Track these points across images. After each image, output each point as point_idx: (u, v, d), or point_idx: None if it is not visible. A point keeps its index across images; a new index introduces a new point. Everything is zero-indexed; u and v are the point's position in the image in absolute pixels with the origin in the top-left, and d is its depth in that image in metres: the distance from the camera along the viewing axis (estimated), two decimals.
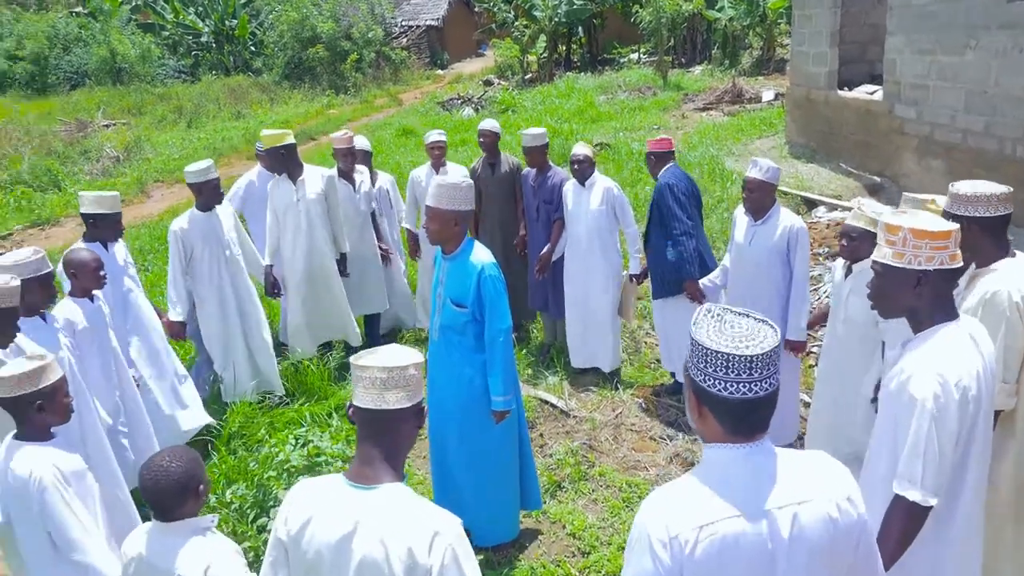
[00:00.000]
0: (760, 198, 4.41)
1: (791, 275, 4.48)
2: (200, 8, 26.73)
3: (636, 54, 23.75)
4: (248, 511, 4.09)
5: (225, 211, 5.33)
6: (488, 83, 21.83)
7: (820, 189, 9.05)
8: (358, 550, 1.83)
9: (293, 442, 4.35)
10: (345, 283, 6.24)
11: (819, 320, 4.63)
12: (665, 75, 18.04)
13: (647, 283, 5.65)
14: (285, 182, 5.58)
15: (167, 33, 26.22)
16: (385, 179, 6.58)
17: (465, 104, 17.82)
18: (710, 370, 1.64)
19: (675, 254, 4.95)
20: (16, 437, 2.79)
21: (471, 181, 3.75)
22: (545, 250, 5.83)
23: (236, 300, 5.29)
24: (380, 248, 6.33)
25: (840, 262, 4.24)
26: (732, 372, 1.61)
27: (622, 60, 23.59)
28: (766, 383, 1.62)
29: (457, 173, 6.50)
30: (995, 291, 2.76)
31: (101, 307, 4.23)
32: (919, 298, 2.27)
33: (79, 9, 28.23)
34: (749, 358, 1.60)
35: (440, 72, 27.04)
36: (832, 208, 8.53)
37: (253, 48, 26.51)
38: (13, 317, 3.24)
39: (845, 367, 4.18)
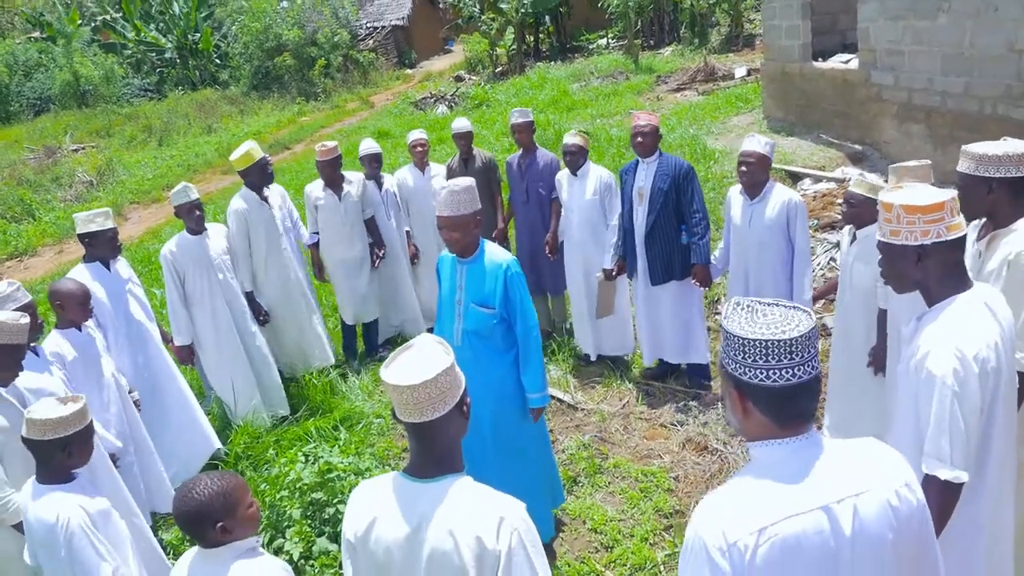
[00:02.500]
0: (757, 172, 4.39)
1: (792, 250, 4.46)
2: (161, 24, 26.39)
3: (605, 39, 23.70)
4: (262, 533, 4.01)
5: (216, 233, 5.22)
6: (459, 79, 21.71)
7: (803, 162, 9.05)
8: (427, 543, 1.85)
9: (303, 460, 4.27)
10: (338, 292, 6.19)
11: (830, 291, 4.61)
12: (636, 59, 18.01)
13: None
14: (261, 201, 5.48)
15: (129, 52, 25.89)
16: (391, 181, 6.49)
17: (439, 102, 17.71)
18: (749, 360, 1.59)
19: (693, 239, 4.86)
20: (38, 480, 2.73)
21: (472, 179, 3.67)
22: (549, 235, 5.80)
23: (233, 323, 5.18)
24: (376, 253, 6.25)
25: (847, 229, 4.23)
26: (772, 359, 1.57)
27: (591, 47, 23.51)
28: (808, 367, 1.58)
29: (442, 171, 6.46)
30: (1019, 251, 2.73)
31: (91, 335, 4.14)
32: (925, 272, 2.23)
33: (36, 34, 27.76)
34: (788, 342, 1.56)
35: (409, 71, 26.85)
36: (817, 180, 8.53)
37: (218, 61, 26.24)
38: (19, 355, 3.19)
39: (853, 335, 4.18)
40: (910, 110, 8.13)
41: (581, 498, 4.31)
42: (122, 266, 4.74)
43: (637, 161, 5.00)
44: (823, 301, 5.57)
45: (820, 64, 9.94)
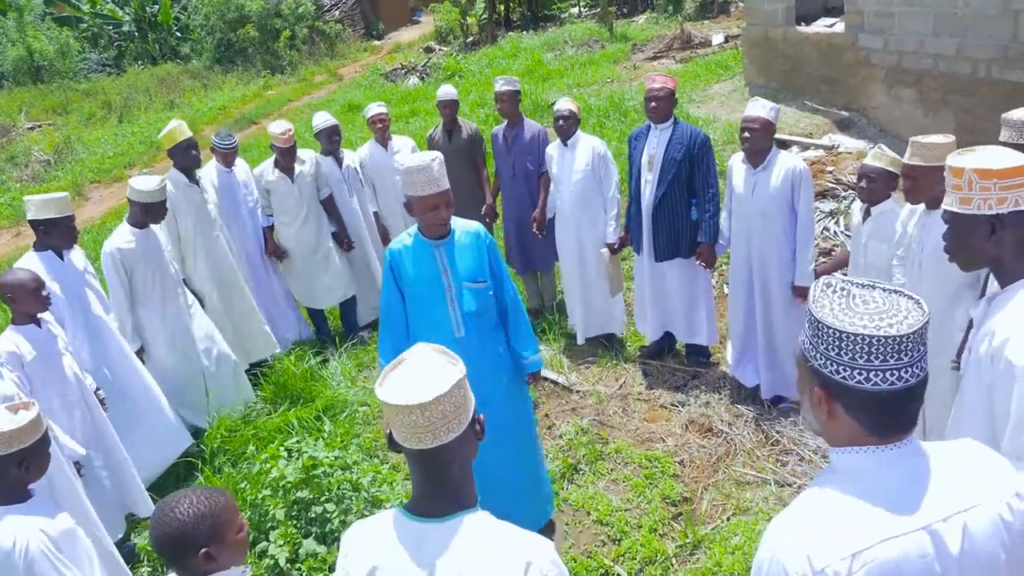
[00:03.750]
0: (761, 138, 4.14)
1: (795, 219, 4.23)
2: None
3: (576, 8, 23.24)
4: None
5: (159, 227, 4.82)
6: (429, 50, 21.14)
7: (789, 129, 8.83)
8: None
9: (286, 455, 3.98)
10: (296, 277, 5.87)
11: (838, 266, 4.41)
12: (611, 27, 17.65)
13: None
14: (188, 184, 5.13)
15: (85, 25, 24.85)
16: (352, 157, 6.14)
17: (409, 73, 17.22)
18: (846, 358, 1.33)
19: (704, 215, 4.59)
20: None
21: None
22: (536, 212, 5.51)
23: (187, 320, 4.83)
24: (342, 237, 6.00)
25: (858, 206, 4.02)
26: (876, 358, 1.31)
27: (563, 15, 23.05)
28: (917, 367, 1.32)
29: (405, 145, 6.15)
30: None
31: (51, 331, 3.79)
32: (999, 246, 1.97)
33: None
34: (898, 339, 1.30)
35: (377, 43, 26.17)
36: (805, 147, 8.33)
37: (179, 34, 25.33)
38: None
39: None
40: (900, 74, 7.93)
41: (583, 487, 4.08)
42: (77, 256, 4.30)
43: (649, 126, 4.72)
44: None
45: (804, 28, 9.70)
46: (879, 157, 3.84)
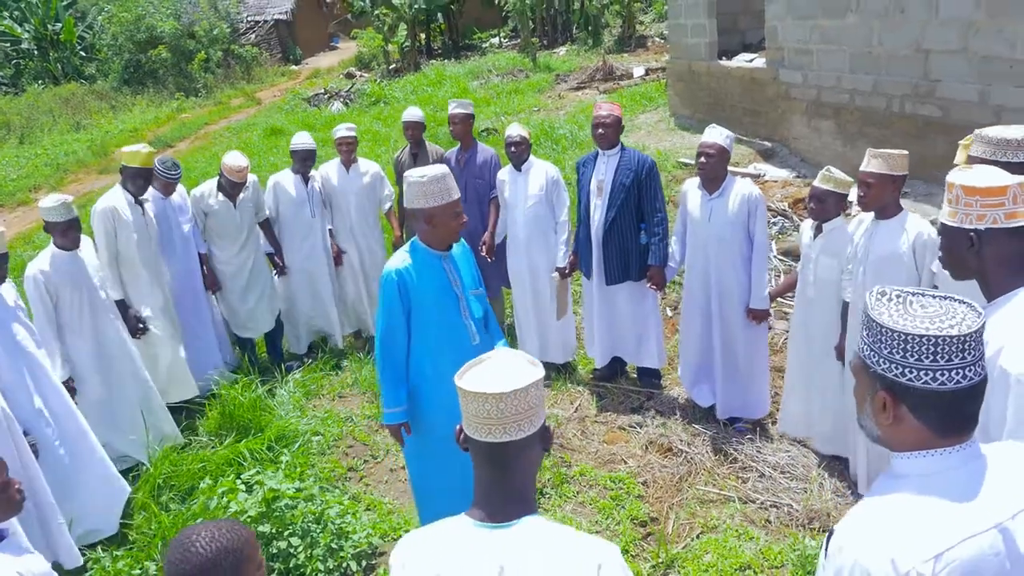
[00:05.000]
0: (717, 164, 4.28)
1: (750, 244, 4.37)
2: (16, 12, 24.10)
3: (497, 38, 23.60)
4: None
5: (87, 245, 4.55)
6: (350, 76, 21.00)
7: None
8: None
9: (243, 487, 3.79)
10: (228, 305, 5.74)
11: (787, 288, 4.57)
12: (534, 57, 17.96)
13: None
14: (136, 206, 4.95)
15: None
16: (316, 175, 6.02)
17: (333, 99, 17.01)
18: (912, 360, 1.37)
19: (652, 239, 4.68)
20: None
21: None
22: (487, 235, 5.49)
23: (121, 347, 4.58)
24: (275, 262, 5.91)
25: (808, 224, 4.19)
26: (942, 358, 1.36)
27: (484, 45, 23.36)
28: (979, 367, 1.38)
29: (371, 168, 6.07)
30: None
31: None
32: (980, 260, 2.09)
33: None
34: (960, 338, 1.35)
35: (295, 68, 25.79)
36: (733, 175, 8.63)
37: (83, 53, 24.26)
38: None
39: (815, 330, 4.15)
40: (819, 107, 8.36)
41: (551, 510, 4.05)
42: (7, 291, 3.94)
43: (597, 153, 4.79)
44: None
45: (727, 63, 10.12)
46: (827, 179, 4.02)
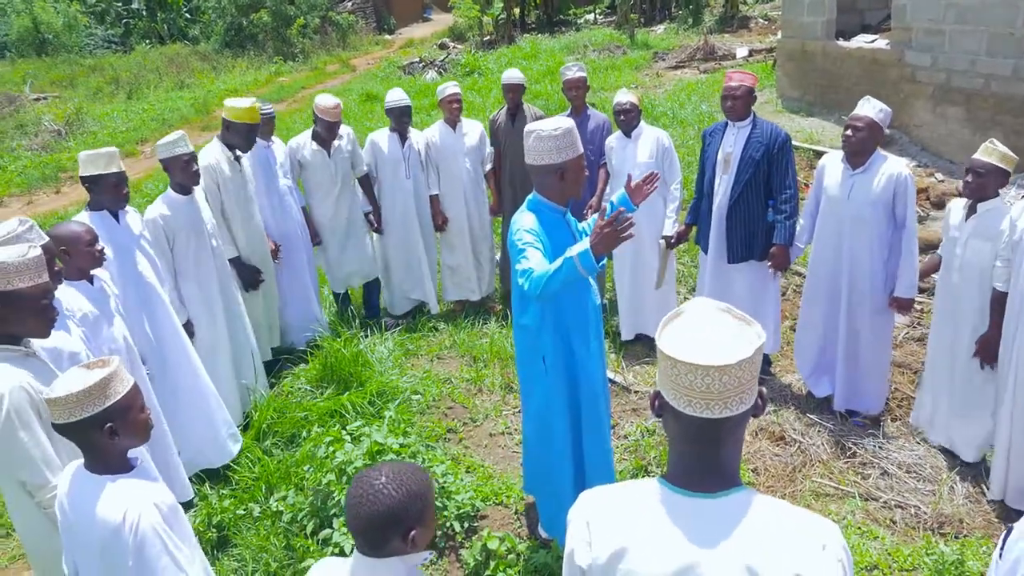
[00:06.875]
0: (865, 139, 3.98)
1: (894, 228, 4.07)
2: None
3: (592, 15, 23.17)
4: (305, 521, 3.52)
5: (199, 194, 4.53)
6: (443, 47, 20.99)
7: (830, 143, 8.72)
8: None
9: (348, 438, 3.77)
10: (324, 259, 5.74)
11: (931, 270, 4.25)
12: (632, 34, 17.56)
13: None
14: (234, 162, 4.89)
15: (94, 1, 24.45)
16: (418, 138, 5.88)
17: (427, 67, 17.02)
18: None
19: (778, 217, 4.41)
20: (88, 467, 2.11)
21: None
22: (593, 200, 5.33)
23: (223, 299, 4.54)
24: (374, 218, 5.82)
25: (958, 204, 3.87)
26: None
27: (579, 21, 22.98)
28: None
29: (474, 128, 5.94)
30: None
31: (105, 289, 3.54)
32: None
33: None
34: None
35: (388, 37, 25.98)
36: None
37: (188, 15, 25.00)
38: (37, 302, 2.57)
39: (961, 319, 3.83)
40: (948, 92, 7.84)
41: None
42: (133, 219, 4.02)
43: (725, 123, 4.55)
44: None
45: (845, 43, 9.60)
46: (990, 152, 3.69)
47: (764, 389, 1.43)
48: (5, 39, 22.05)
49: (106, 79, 18.55)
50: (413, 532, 1.66)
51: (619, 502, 1.45)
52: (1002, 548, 1.87)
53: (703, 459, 1.40)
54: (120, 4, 24.73)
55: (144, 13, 24.69)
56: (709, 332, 1.40)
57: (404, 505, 1.64)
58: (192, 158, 4.32)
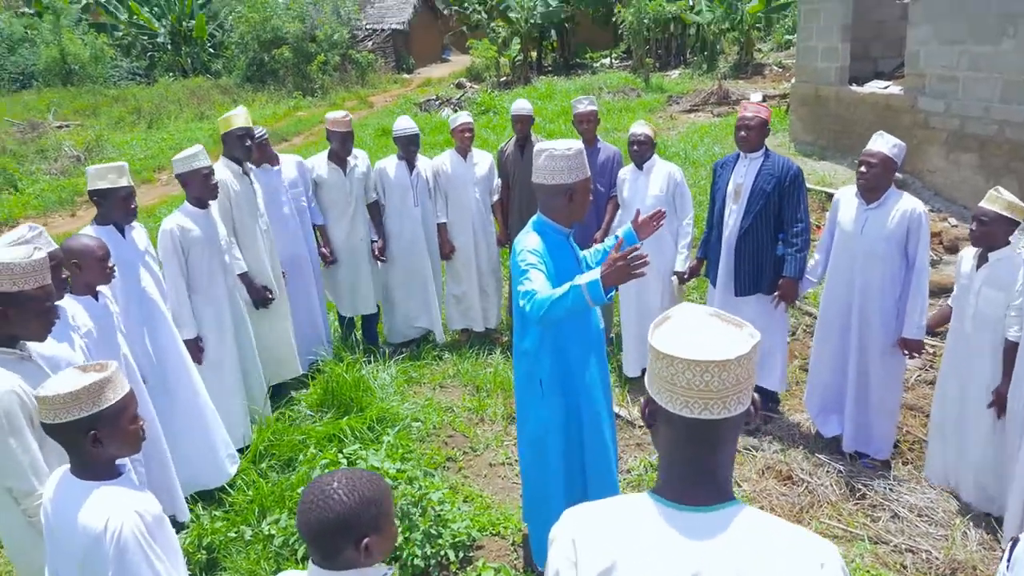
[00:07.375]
0: (880, 175, 3.94)
1: (906, 266, 4.00)
2: (156, 8, 25.58)
3: (608, 59, 23.50)
4: (296, 546, 3.44)
5: (216, 210, 4.54)
6: (460, 86, 21.29)
7: (842, 186, 8.69)
8: None
9: (344, 462, 3.70)
10: (335, 281, 5.72)
11: (942, 321, 4.17)
12: (647, 77, 17.76)
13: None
14: (241, 174, 4.88)
15: (120, 33, 25.01)
16: (426, 165, 5.90)
17: (443, 105, 17.23)
18: None
19: (789, 251, 4.37)
20: (73, 472, 2.06)
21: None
22: (599, 233, 5.30)
23: (232, 317, 4.50)
24: (378, 245, 5.79)
25: (969, 252, 3.81)
26: None
27: (595, 64, 23.30)
28: None
29: (484, 158, 5.96)
30: None
31: (108, 306, 3.52)
32: None
33: (24, 8, 26.78)
34: None
35: (407, 76, 26.41)
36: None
37: (211, 50, 25.51)
38: (41, 303, 2.55)
39: (973, 369, 3.74)
40: (961, 138, 7.82)
41: None
42: (139, 235, 4.03)
43: (737, 155, 4.54)
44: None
45: (858, 88, 9.64)
46: (994, 200, 3.65)
47: (757, 396, 1.37)
48: (33, 68, 22.53)
49: (128, 109, 18.86)
50: (366, 540, 1.58)
51: (607, 518, 1.37)
52: (1009, 559, 1.82)
53: (698, 467, 1.34)
54: (146, 38, 25.25)
55: (169, 47, 25.21)
56: (703, 333, 1.36)
57: (356, 511, 1.57)
58: (211, 172, 4.36)
